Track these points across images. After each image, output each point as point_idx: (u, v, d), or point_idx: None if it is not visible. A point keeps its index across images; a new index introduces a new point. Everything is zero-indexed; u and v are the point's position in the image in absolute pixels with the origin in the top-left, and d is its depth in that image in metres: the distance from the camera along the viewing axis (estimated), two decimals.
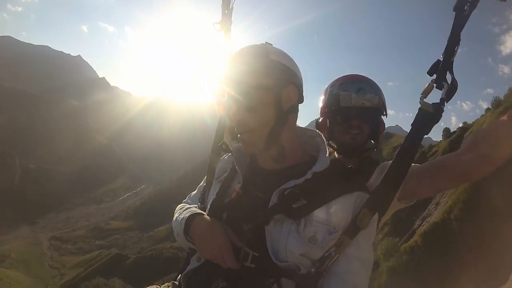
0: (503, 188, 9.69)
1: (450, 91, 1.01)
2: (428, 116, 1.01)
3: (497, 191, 9.91)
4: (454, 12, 1.03)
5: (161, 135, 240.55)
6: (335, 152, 1.59)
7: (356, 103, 1.51)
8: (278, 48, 1.10)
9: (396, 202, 1.31)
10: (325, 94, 1.64)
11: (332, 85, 1.62)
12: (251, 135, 1.06)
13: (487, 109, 25.39)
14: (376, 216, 1.00)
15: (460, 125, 30.33)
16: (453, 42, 1.02)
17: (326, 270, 0.96)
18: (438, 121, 1.01)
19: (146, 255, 77.02)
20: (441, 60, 1.03)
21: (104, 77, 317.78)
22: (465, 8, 1.02)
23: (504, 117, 1.12)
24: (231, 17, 1.55)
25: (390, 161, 1.40)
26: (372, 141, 1.55)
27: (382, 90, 1.62)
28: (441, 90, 1.02)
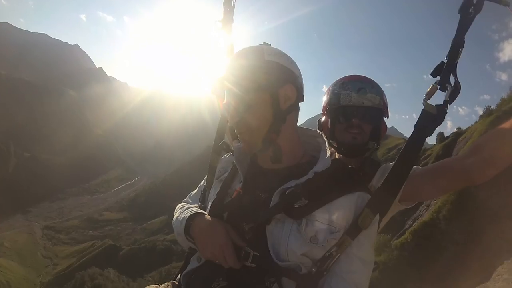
0: (489, 191, 10.40)
1: (453, 94, 1.01)
2: (431, 117, 1.00)
3: (483, 193, 10.63)
4: (459, 14, 1.02)
5: (157, 128, 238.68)
6: (336, 151, 1.61)
7: (356, 102, 1.53)
8: (276, 48, 1.09)
9: (397, 204, 1.33)
10: (327, 94, 1.66)
11: (334, 84, 1.64)
12: (250, 135, 1.07)
13: (481, 116, 25.65)
14: (377, 216, 1.00)
15: (455, 129, 30.65)
16: (457, 45, 1.02)
17: (327, 270, 0.96)
18: (441, 123, 1.01)
19: (140, 247, 77.04)
20: (445, 62, 1.03)
21: (101, 67, 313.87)
22: (470, 10, 1.01)
23: (508, 122, 1.12)
24: (232, 15, 1.57)
25: (392, 163, 1.46)
26: (374, 142, 1.57)
27: None
28: (445, 92, 1.02)
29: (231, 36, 1.56)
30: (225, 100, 1.11)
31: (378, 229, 1.10)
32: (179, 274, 1.24)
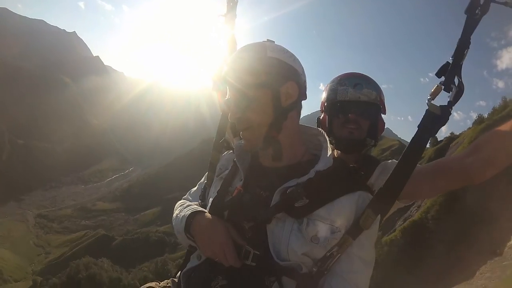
0: (476, 195, 11.03)
1: (457, 94, 1.01)
2: (435, 118, 1.00)
3: (470, 197, 11.29)
4: (465, 15, 1.02)
5: (154, 120, 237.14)
6: (334, 148, 1.59)
7: (352, 97, 1.54)
8: (279, 45, 1.08)
9: (396, 202, 1.29)
10: (325, 91, 1.67)
11: (332, 81, 1.65)
12: (251, 133, 1.06)
13: (474, 122, 25.83)
14: (379, 217, 1.00)
15: (449, 134, 31.15)
16: (463, 45, 1.02)
17: (327, 270, 0.96)
18: (444, 124, 1.00)
19: (133, 238, 77.28)
20: (450, 62, 1.02)
21: (98, 56, 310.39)
22: (477, 11, 1.01)
23: (508, 123, 1.12)
24: (235, 10, 1.54)
25: (390, 161, 1.52)
26: (371, 139, 1.57)
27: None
28: (449, 92, 1.01)
29: (234, 31, 1.55)
30: (226, 96, 1.10)
31: (379, 228, 1.11)
32: (179, 272, 1.23)
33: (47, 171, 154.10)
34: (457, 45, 1.02)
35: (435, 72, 1.03)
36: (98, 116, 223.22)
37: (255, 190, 1.08)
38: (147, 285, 1.29)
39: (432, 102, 1.01)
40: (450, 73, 1.01)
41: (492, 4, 1.00)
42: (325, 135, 1.14)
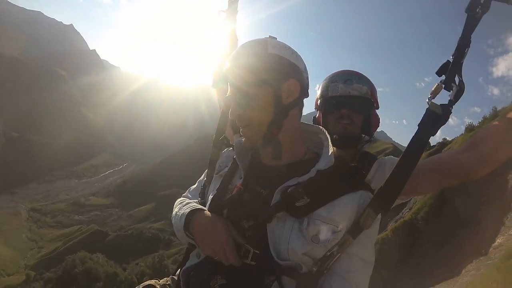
0: (464, 196, 11.61)
1: (458, 93, 1.00)
2: (436, 117, 0.99)
3: (458, 200, 11.87)
4: (466, 14, 1.01)
5: (150, 116, 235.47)
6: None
7: (343, 92, 1.56)
8: (281, 42, 1.07)
9: None
10: (318, 89, 1.69)
11: (325, 79, 1.68)
12: (252, 130, 1.04)
13: (466, 128, 26.41)
14: (379, 216, 0.99)
15: (442, 139, 31.75)
16: (464, 44, 1.01)
17: (327, 269, 0.95)
18: (445, 123, 1.00)
19: (127, 234, 76.61)
20: (451, 61, 1.01)
21: (94, 50, 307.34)
22: (477, 10, 1.00)
23: (504, 120, 1.13)
24: (237, 6, 1.54)
25: (387, 157, 1.54)
26: (366, 134, 1.58)
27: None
28: (450, 91, 1.00)
29: (235, 26, 1.54)
30: (227, 93, 1.09)
31: (379, 228, 1.11)
32: (179, 270, 1.24)
33: (41, 165, 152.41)
34: (457, 43, 1.02)
35: (432, 76, 1.04)
36: (94, 110, 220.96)
37: (255, 188, 1.06)
38: (147, 282, 1.28)
39: (433, 101, 1.01)
40: (450, 72, 1.01)
41: (492, 3, 1.00)
42: (326, 133, 1.13)
